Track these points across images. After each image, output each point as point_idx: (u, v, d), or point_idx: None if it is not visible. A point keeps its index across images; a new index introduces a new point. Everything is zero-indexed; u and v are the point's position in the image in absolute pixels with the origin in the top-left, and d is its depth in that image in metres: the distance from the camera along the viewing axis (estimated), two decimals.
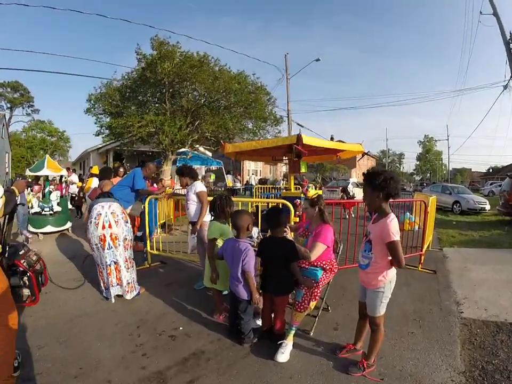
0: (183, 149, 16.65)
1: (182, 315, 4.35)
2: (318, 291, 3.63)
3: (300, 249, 3.56)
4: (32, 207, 9.52)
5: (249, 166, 30.85)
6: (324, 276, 3.73)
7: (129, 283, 4.86)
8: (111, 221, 4.70)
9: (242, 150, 8.24)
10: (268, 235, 3.94)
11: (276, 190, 18.70)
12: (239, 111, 15.62)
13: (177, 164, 17.23)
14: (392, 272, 2.89)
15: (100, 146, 23.57)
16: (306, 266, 3.76)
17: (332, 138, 39.29)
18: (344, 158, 9.46)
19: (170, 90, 14.26)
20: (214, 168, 22.57)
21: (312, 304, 3.65)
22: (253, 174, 29.92)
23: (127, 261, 4.88)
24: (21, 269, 4.27)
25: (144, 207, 6.73)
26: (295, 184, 18.19)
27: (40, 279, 4.62)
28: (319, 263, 3.73)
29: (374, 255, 2.84)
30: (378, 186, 2.72)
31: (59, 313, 4.40)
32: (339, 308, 4.62)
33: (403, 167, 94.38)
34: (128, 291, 4.82)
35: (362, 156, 8.83)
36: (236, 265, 3.46)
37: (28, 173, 11.38)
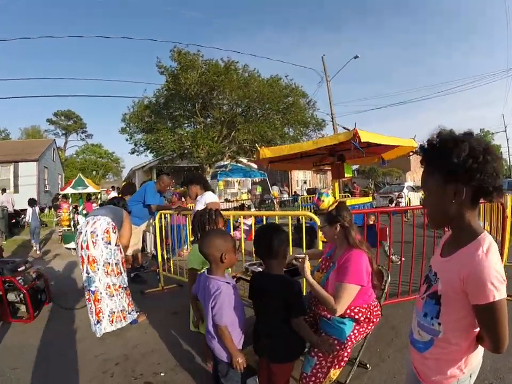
0: (222, 162, 16.12)
1: (171, 356, 3.53)
2: (345, 354, 2.31)
3: (320, 293, 2.27)
4: (78, 223, 9.68)
5: (298, 176, 29.60)
6: (355, 331, 2.38)
7: (113, 312, 4.03)
8: (88, 241, 3.94)
9: (280, 156, 7.37)
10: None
11: None
12: (276, 117, 14.80)
13: (217, 178, 16.83)
14: (477, 358, 1.34)
15: (144, 164, 23.78)
16: (328, 316, 2.42)
17: None
18: (389, 159, 8.22)
19: (200, 101, 13.78)
20: (258, 180, 21.77)
21: (334, 372, 2.32)
22: (303, 183, 28.72)
23: (110, 288, 4.03)
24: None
25: (155, 223, 5.97)
26: (345, 192, 16.96)
27: (40, 296, 4.72)
28: (348, 310, 2.35)
29: (444, 326, 1.28)
30: (458, 172, 1.17)
31: (48, 334, 4.16)
32: (385, 363, 3.00)
33: None
34: (112, 321, 4.00)
35: (413, 153, 7.52)
36: (207, 311, 2.22)
37: (69, 191, 11.66)
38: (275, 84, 13.97)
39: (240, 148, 15.55)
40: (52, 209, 10.13)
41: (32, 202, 10.18)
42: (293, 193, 24.77)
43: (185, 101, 14.04)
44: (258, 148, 7.20)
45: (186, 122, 15.16)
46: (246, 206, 13.72)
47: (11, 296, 4.39)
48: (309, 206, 14.52)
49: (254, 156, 15.10)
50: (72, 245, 9.05)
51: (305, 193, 22.62)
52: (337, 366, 2.28)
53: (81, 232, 4.02)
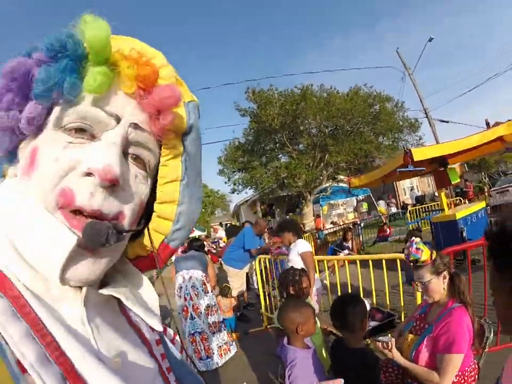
0: (322, 186, 15.86)
1: None
2: None
3: (417, 371, 1.99)
4: None
5: (403, 184, 27.36)
6: None
7: (220, 346, 4.70)
8: (191, 294, 4.69)
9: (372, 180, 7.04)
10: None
11: (439, 207, 15.06)
12: (366, 130, 14.17)
13: (320, 203, 16.55)
14: None
15: (248, 198, 24.71)
16: None
17: (487, 124, 32.96)
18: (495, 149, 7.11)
19: (287, 132, 13.88)
20: (362, 198, 20.81)
21: None
22: (410, 190, 26.58)
23: (211, 326, 4.72)
24: None
25: (255, 267, 6.33)
26: (456, 194, 15.14)
27: None
28: None
29: None
30: None
31: None
32: None
33: None
34: (221, 355, 4.67)
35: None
36: (285, 378, 2.12)
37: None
38: (356, 95, 13.47)
39: (337, 168, 15.16)
40: None
41: None
42: (402, 204, 23.07)
43: (273, 134, 14.31)
44: (345, 179, 6.94)
45: (279, 154, 15.42)
46: (350, 226, 12.97)
47: None
48: (416, 223, 12.97)
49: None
50: None
51: (412, 202, 21.03)
52: None
53: (181, 287, 4.71)
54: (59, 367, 0.40)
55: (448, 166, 7.04)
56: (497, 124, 6.72)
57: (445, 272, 2.11)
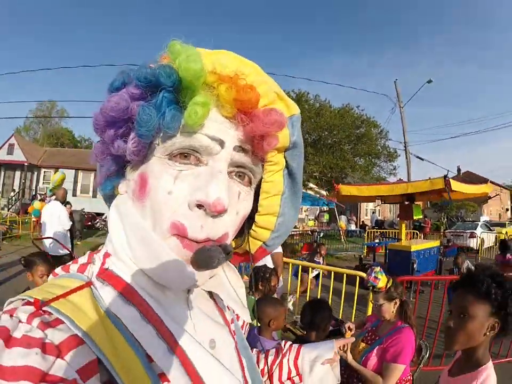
0: None
1: None
2: None
3: (366, 374, 2.42)
4: None
5: (367, 205, 28.69)
6: None
7: None
8: None
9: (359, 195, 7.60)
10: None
11: (395, 235, 15.52)
12: (346, 148, 14.73)
13: None
14: None
15: None
16: None
17: (458, 170, 34.86)
18: (456, 198, 7.89)
19: None
20: (325, 209, 21.55)
21: None
22: (372, 212, 27.78)
23: None
24: None
25: None
26: (414, 227, 16.06)
27: None
28: None
29: None
30: (501, 308, 1.32)
31: None
32: None
33: None
34: None
35: (489, 198, 7.24)
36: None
37: None
38: (346, 114, 14.00)
39: (309, 176, 15.60)
40: None
41: None
42: (361, 224, 24.11)
43: None
44: (336, 186, 7.36)
45: None
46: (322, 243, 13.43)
47: None
48: (372, 245, 13.62)
49: (326, 189, 15.03)
50: None
51: (371, 224, 21.92)
52: None
53: None
54: (178, 359, 0.49)
55: (415, 202, 7.68)
56: (467, 172, 7.54)
57: (397, 299, 2.53)
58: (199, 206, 0.48)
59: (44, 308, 0.43)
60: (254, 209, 0.60)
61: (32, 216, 9.96)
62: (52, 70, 31.33)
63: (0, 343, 0.38)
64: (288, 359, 1.04)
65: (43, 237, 5.79)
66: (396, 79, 20.17)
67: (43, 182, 21.40)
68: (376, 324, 2.70)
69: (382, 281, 2.51)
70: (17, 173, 21.88)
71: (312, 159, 13.93)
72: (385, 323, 2.59)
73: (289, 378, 1.04)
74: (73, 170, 21.12)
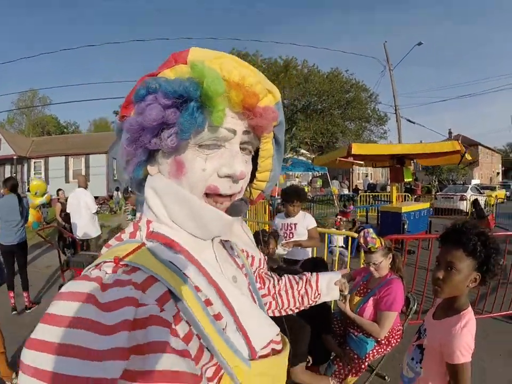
0: (284, 156, 16.28)
1: None
2: (362, 367, 2.64)
3: (363, 323, 2.61)
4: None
5: (359, 169, 28.86)
6: (374, 350, 2.66)
7: None
8: None
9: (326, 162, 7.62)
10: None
11: (387, 198, 15.20)
12: (336, 113, 14.66)
13: None
14: None
15: None
16: (355, 334, 2.75)
17: (450, 133, 35.10)
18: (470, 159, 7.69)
19: None
20: (318, 174, 21.67)
21: (351, 379, 2.66)
22: (365, 176, 27.94)
23: None
24: None
25: None
26: (405, 189, 16.26)
27: None
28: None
29: (424, 370, 1.68)
30: (484, 264, 1.51)
31: None
32: None
33: None
34: None
35: (462, 156, 7.11)
36: None
37: None
38: (335, 78, 13.87)
39: (300, 143, 15.60)
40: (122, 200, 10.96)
41: None
42: (354, 188, 24.34)
43: None
44: (349, 144, 7.35)
45: None
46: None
47: None
48: (364, 209, 13.82)
49: (316, 153, 15.01)
50: None
51: (364, 188, 22.12)
52: (354, 375, 2.64)
53: None
54: (214, 288, 0.68)
55: (405, 165, 7.75)
56: (458, 135, 7.53)
57: (390, 254, 2.72)
58: (227, 176, 0.68)
59: (121, 262, 0.59)
60: (254, 168, 0.80)
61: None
62: (32, 58, 30.04)
63: (97, 288, 0.52)
64: (312, 282, 1.25)
65: (47, 226, 6.13)
66: (385, 41, 19.83)
67: (34, 173, 20.96)
68: (367, 278, 2.87)
69: (378, 241, 2.66)
70: (7, 167, 21.41)
71: (303, 125, 13.85)
72: (374, 277, 2.75)
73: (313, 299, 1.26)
74: (64, 157, 20.91)
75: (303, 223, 3.90)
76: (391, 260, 2.72)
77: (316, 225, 3.97)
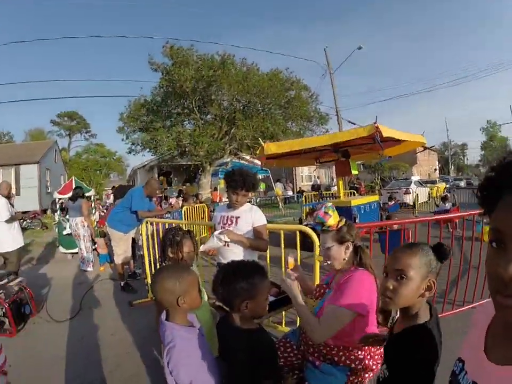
0: (223, 160, 15.67)
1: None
2: None
3: (304, 315, 1.80)
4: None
5: (302, 172, 29.00)
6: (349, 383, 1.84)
7: None
8: None
9: (284, 153, 6.91)
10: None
11: (332, 197, 15.02)
12: (277, 113, 14.32)
13: (219, 176, 16.36)
14: None
15: (145, 163, 23.14)
16: (316, 363, 1.91)
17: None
18: (393, 154, 7.72)
19: (198, 98, 13.32)
20: (261, 177, 21.25)
21: None
22: (316, 176, 28.15)
23: None
24: None
25: (141, 231, 5.50)
26: (351, 188, 16.32)
27: (23, 309, 4.60)
28: (343, 357, 1.85)
29: None
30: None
31: (27, 352, 3.87)
32: None
33: (467, 159, 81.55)
34: None
35: (424, 149, 6.95)
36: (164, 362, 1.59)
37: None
38: (275, 77, 13.52)
39: (241, 144, 15.09)
40: (52, 212, 9.83)
41: None
42: (298, 190, 24.22)
43: (182, 98, 13.63)
44: (262, 143, 6.72)
45: (185, 120, 14.74)
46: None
47: None
48: (310, 206, 13.63)
49: (257, 152, 14.68)
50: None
51: (310, 188, 22.17)
52: None
53: None
54: None
55: (350, 158, 7.39)
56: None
57: (349, 243, 1.96)
58: None
59: None
60: None
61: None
62: None
63: None
64: None
65: None
66: (326, 46, 20.02)
67: None
68: (328, 280, 2.12)
69: (333, 218, 1.91)
70: None
71: (242, 125, 13.30)
72: (338, 275, 2.00)
73: None
74: None
75: (247, 218, 3.02)
76: (348, 250, 1.95)
77: (265, 222, 3.11)
